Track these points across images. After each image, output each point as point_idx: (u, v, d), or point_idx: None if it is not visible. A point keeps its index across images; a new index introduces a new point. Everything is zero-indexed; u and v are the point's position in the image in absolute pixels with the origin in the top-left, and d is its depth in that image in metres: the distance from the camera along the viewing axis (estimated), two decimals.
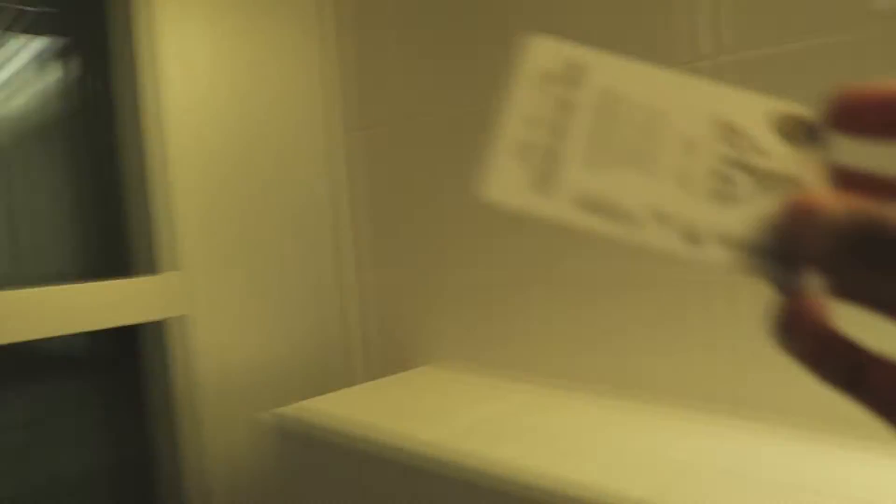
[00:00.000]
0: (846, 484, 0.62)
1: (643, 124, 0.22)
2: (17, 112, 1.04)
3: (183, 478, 1.08)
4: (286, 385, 1.19)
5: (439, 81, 1.12)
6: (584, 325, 0.97)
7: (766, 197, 0.20)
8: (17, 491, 1.03)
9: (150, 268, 1.07)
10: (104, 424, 1.12)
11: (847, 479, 0.63)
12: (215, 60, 1.12)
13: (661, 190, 0.21)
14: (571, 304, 0.98)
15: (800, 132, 0.21)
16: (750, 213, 0.20)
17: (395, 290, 1.24)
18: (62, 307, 0.95)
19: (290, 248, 1.22)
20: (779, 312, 0.20)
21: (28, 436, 1.05)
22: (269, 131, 1.19)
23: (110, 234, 1.11)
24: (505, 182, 0.21)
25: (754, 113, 0.22)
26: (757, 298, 0.73)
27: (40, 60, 1.06)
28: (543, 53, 0.23)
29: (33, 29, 1.05)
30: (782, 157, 0.21)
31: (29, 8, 1.04)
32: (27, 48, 1.05)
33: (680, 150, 0.21)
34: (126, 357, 1.13)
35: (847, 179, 0.21)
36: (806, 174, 0.21)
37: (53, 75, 1.06)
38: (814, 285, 0.19)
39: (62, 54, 1.07)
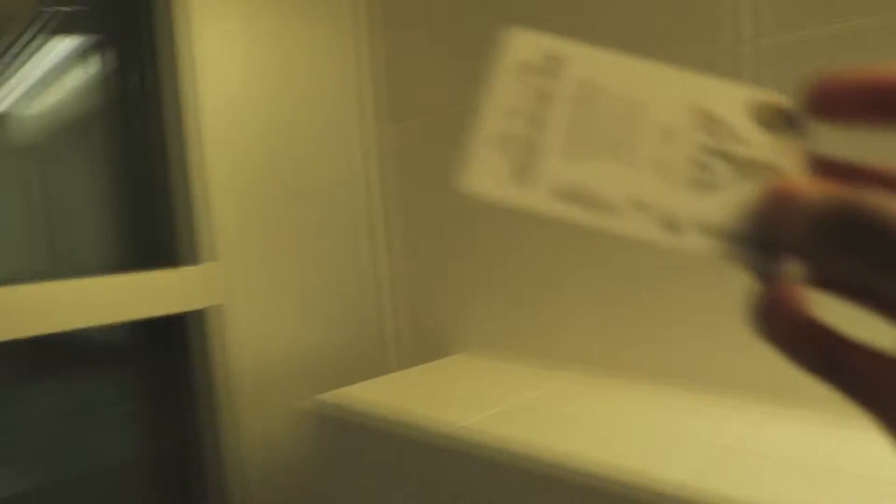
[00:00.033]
0: (889, 469, 0.61)
1: (622, 114, 0.22)
2: (61, 109, 1.08)
3: (223, 464, 1.12)
4: (321, 374, 1.21)
5: (469, 75, 1.12)
6: (618, 313, 0.97)
7: (745, 185, 0.20)
8: (63, 477, 1.08)
9: (188, 259, 1.10)
10: (146, 412, 1.15)
11: (889, 464, 0.62)
12: (251, 57, 1.14)
13: (640, 179, 0.21)
14: (605, 292, 0.98)
15: (779, 120, 0.21)
16: (729, 200, 0.20)
17: (426, 280, 1.26)
18: (104, 297, 0.97)
19: (325, 240, 1.24)
20: (757, 300, 0.20)
21: (74, 423, 1.09)
22: (304, 125, 1.21)
23: (149, 226, 1.15)
24: (485, 174, 0.21)
25: (733, 102, 0.22)
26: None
27: (78, 57, 1.10)
28: (522, 46, 0.23)
29: (71, 28, 1.09)
30: (761, 145, 0.21)
31: (67, 8, 1.08)
32: (64, 46, 1.09)
33: (658, 139, 0.21)
34: (167, 347, 1.16)
35: (826, 169, 0.21)
36: (785, 162, 0.21)
37: (92, 71, 1.10)
38: (792, 273, 0.19)
39: (98, 51, 1.11)
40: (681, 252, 0.20)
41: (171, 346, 1.15)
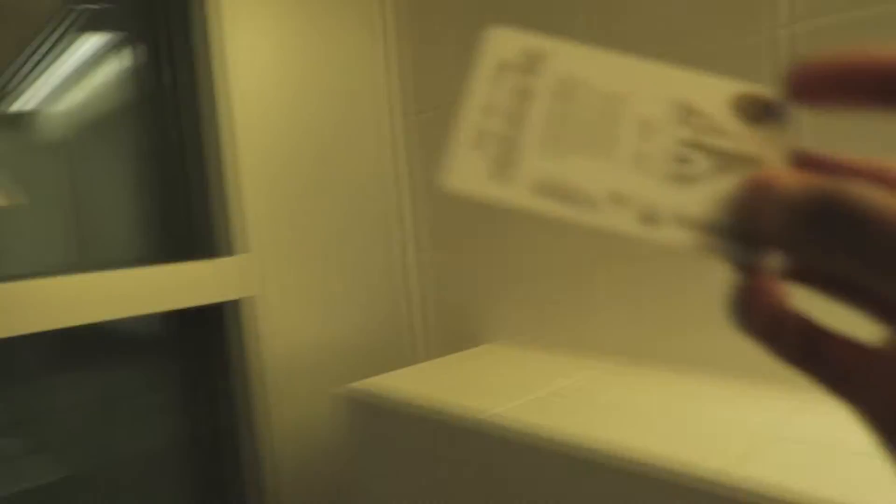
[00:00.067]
0: None
1: (601, 108, 0.22)
2: (96, 104, 1.10)
3: (257, 450, 1.14)
4: (350, 363, 1.23)
5: None
6: (646, 303, 0.97)
7: (725, 177, 0.20)
8: (103, 464, 1.10)
9: (223, 251, 1.11)
10: (182, 401, 1.18)
11: None
12: (280, 52, 1.15)
13: (620, 173, 0.21)
14: (632, 281, 0.98)
15: (759, 112, 0.21)
16: (708, 192, 0.20)
17: (454, 271, 1.26)
18: (144, 288, 0.99)
19: (354, 232, 1.25)
20: (735, 291, 0.20)
21: (113, 411, 1.11)
22: (332, 118, 1.22)
23: (185, 219, 1.16)
24: (465, 171, 0.21)
25: (715, 95, 0.21)
26: None
27: (110, 53, 1.11)
28: (502, 43, 0.23)
29: (103, 24, 1.10)
30: (741, 137, 0.21)
31: (96, 6, 1.09)
32: (96, 42, 1.10)
33: (638, 132, 0.21)
34: (203, 337, 1.18)
35: (808, 163, 0.21)
36: (765, 154, 0.20)
37: (125, 67, 1.12)
38: (771, 264, 0.19)
39: (130, 47, 1.12)
40: (660, 245, 0.20)
41: (207, 336, 1.17)
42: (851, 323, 0.21)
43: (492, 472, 0.80)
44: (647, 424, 0.75)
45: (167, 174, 1.15)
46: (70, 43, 1.07)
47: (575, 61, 0.22)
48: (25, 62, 1.04)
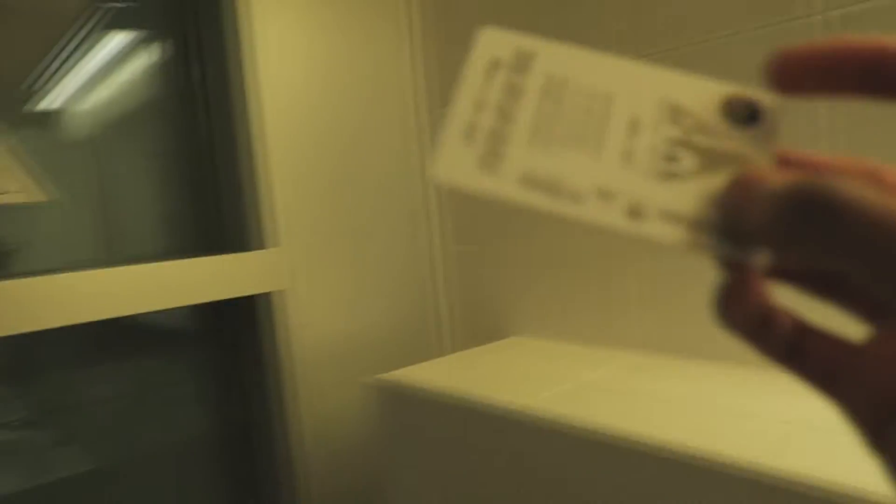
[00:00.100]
0: None
1: (590, 107, 0.22)
2: (127, 100, 1.11)
3: (288, 439, 1.15)
4: (378, 356, 1.23)
5: None
6: (674, 297, 0.97)
7: (712, 175, 0.20)
8: (138, 453, 1.11)
9: (255, 245, 1.13)
10: (215, 391, 1.19)
11: None
12: (309, 48, 1.16)
13: (606, 169, 0.21)
14: (660, 275, 0.98)
15: (746, 113, 0.21)
16: (695, 190, 0.20)
17: (480, 264, 1.27)
18: (173, 282, 1.00)
19: (381, 226, 1.26)
20: (719, 288, 0.20)
21: (147, 402, 1.13)
22: (359, 114, 1.22)
23: (213, 213, 1.18)
24: (452, 162, 0.22)
25: (703, 96, 0.22)
26: None
27: (141, 49, 1.12)
28: (494, 42, 0.23)
29: (132, 22, 1.12)
30: (728, 136, 0.21)
31: (121, 4, 1.11)
32: (127, 39, 1.12)
33: (625, 130, 0.22)
34: (233, 330, 1.20)
35: (793, 163, 0.21)
36: (751, 154, 0.21)
37: (156, 63, 1.13)
38: (756, 261, 0.19)
39: (160, 43, 1.13)
40: (646, 241, 0.20)
41: (239, 329, 1.19)
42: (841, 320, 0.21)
43: (522, 460, 0.80)
44: (681, 414, 0.75)
45: (198, 169, 1.16)
46: (97, 40, 1.08)
47: (566, 61, 0.23)
48: (53, 60, 1.05)
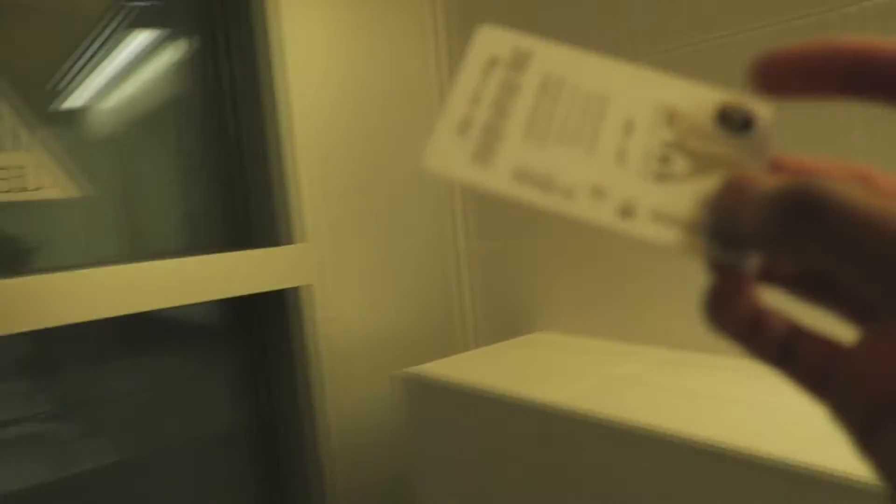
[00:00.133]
0: None
1: (586, 106, 0.22)
2: (155, 98, 1.12)
3: (316, 432, 1.16)
4: (402, 350, 1.24)
5: None
6: (698, 291, 0.96)
7: (704, 179, 0.21)
8: (167, 445, 1.13)
9: (280, 240, 1.14)
10: (241, 386, 1.20)
11: None
12: (336, 46, 1.17)
13: (599, 167, 0.21)
14: (685, 270, 0.98)
15: (740, 121, 0.21)
16: (688, 192, 0.20)
17: (504, 260, 1.27)
18: (202, 276, 1.01)
19: (405, 223, 1.26)
20: (710, 291, 0.20)
21: (176, 395, 1.14)
22: (385, 111, 1.23)
23: (242, 209, 1.19)
24: (446, 154, 0.22)
25: (698, 101, 0.22)
26: None
27: (169, 47, 1.13)
28: (492, 41, 0.24)
29: (160, 20, 1.13)
30: (721, 141, 0.21)
31: (145, 3, 1.12)
32: (147, 37, 1.13)
33: (620, 130, 0.22)
34: (262, 325, 1.21)
35: (785, 168, 0.21)
36: (745, 160, 0.21)
37: (183, 60, 1.14)
38: (747, 263, 0.19)
39: (187, 41, 1.15)
40: (637, 240, 0.20)
41: (267, 323, 1.20)
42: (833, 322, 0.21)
43: (549, 452, 0.81)
44: (709, 408, 0.74)
45: (226, 166, 1.17)
46: (123, 39, 1.09)
47: (563, 62, 0.23)
48: (80, 58, 1.06)
